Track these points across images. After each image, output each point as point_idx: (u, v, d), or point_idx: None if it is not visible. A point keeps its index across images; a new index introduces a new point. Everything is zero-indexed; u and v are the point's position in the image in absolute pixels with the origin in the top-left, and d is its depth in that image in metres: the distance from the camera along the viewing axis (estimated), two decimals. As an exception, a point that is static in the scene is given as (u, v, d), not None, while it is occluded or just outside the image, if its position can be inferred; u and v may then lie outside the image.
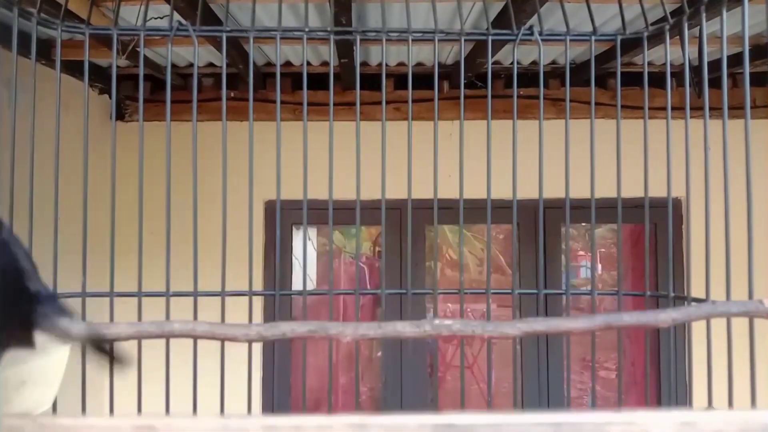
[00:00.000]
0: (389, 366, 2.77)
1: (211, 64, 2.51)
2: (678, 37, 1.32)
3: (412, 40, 1.37)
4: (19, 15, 1.22)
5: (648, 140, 1.33)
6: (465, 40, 1.41)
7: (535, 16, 1.48)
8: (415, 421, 0.54)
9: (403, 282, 2.65)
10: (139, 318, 1.28)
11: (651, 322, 1.04)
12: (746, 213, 1.12)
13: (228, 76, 1.45)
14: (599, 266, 4.49)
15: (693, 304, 1.24)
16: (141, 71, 1.36)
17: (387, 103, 1.44)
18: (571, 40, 1.38)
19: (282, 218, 1.38)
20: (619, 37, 1.42)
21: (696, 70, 2.01)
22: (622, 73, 1.46)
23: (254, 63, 2.39)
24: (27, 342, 0.63)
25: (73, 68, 2.02)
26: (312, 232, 3.86)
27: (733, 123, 1.14)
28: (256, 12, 1.46)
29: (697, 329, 1.21)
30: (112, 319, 1.29)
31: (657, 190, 1.32)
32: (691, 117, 1.25)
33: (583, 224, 3.86)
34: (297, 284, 2.81)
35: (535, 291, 1.57)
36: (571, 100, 1.43)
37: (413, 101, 1.41)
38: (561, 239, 2.77)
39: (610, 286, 3.55)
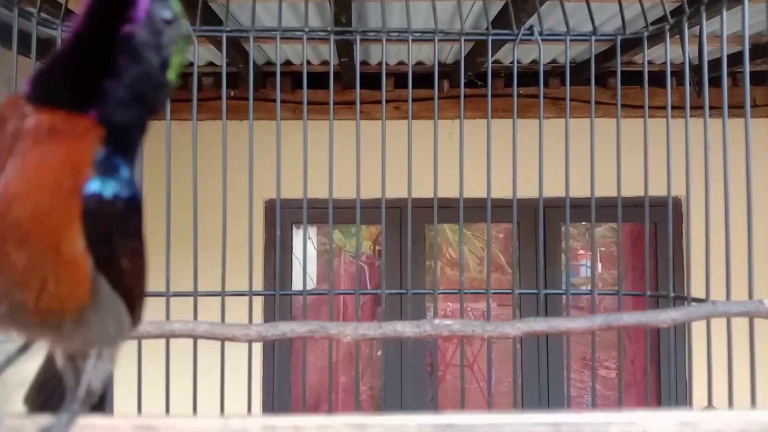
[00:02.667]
0: (389, 366, 2.77)
1: (211, 63, 2.51)
2: (678, 36, 1.32)
3: (412, 40, 1.36)
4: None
5: (648, 139, 1.33)
6: (465, 40, 1.41)
7: (535, 16, 1.48)
8: (415, 421, 0.54)
9: (403, 281, 2.65)
10: (139, 318, 1.28)
11: (651, 322, 1.04)
12: (746, 213, 1.12)
13: (228, 75, 1.45)
14: (599, 265, 4.49)
15: (693, 304, 1.24)
16: (141, 71, 1.36)
17: (387, 102, 1.44)
18: (571, 40, 1.38)
19: (282, 217, 1.38)
20: (619, 37, 1.42)
21: (696, 70, 2.01)
22: (622, 72, 1.46)
23: (254, 62, 2.38)
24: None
25: (72, 68, 2.02)
26: (312, 231, 3.86)
27: (733, 122, 1.14)
28: (256, 11, 1.46)
29: (697, 329, 1.21)
30: (112, 318, 1.29)
31: (657, 189, 1.32)
32: (691, 116, 1.25)
33: (584, 223, 3.86)
34: (297, 283, 2.81)
35: (535, 291, 1.57)
36: (571, 99, 1.43)
37: (413, 100, 1.41)
38: (561, 238, 2.77)
39: (610, 285, 3.55)
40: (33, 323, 0.48)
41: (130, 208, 0.49)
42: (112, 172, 0.48)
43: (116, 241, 0.49)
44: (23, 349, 0.57)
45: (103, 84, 0.48)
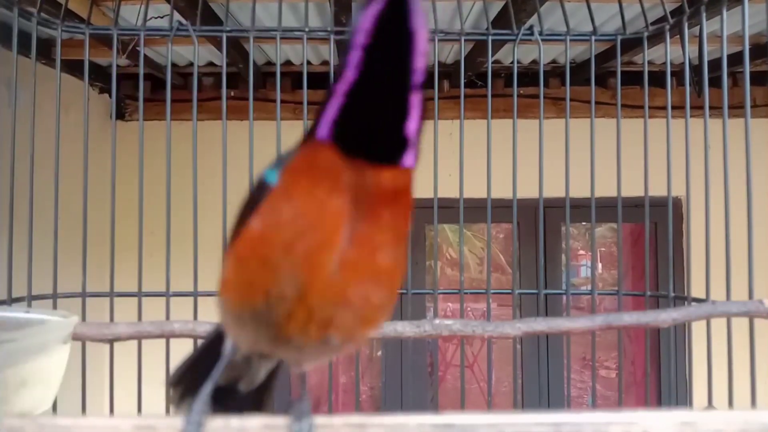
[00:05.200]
0: (389, 366, 2.77)
1: (211, 64, 2.50)
2: (678, 36, 1.32)
3: (413, 40, 1.36)
4: (19, 15, 1.22)
5: (648, 139, 1.33)
6: (465, 40, 1.41)
7: (535, 16, 1.48)
8: (415, 421, 0.54)
9: (403, 281, 2.65)
10: (139, 318, 1.28)
11: (651, 322, 1.04)
12: (746, 213, 1.12)
13: (228, 76, 1.45)
14: (599, 265, 4.49)
15: (693, 304, 1.24)
16: (141, 71, 1.36)
17: (387, 102, 1.44)
18: (571, 40, 1.38)
19: (282, 218, 1.37)
20: (620, 37, 1.42)
21: (696, 70, 2.01)
22: (622, 72, 1.46)
23: (254, 62, 2.38)
24: None
25: (73, 68, 2.02)
26: (312, 231, 3.86)
27: (734, 122, 1.14)
28: (256, 11, 1.46)
29: (697, 329, 1.21)
30: (112, 319, 1.29)
31: (657, 189, 1.32)
32: (691, 116, 1.25)
33: (584, 223, 3.86)
34: (297, 284, 2.80)
35: (535, 291, 1.57)
36: (571, 100, 1.43)
37: (413, 100, 1.41)
38: (561, 238, 2.77)
39: (611, 285, 3.55)
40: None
41: None
42: None
43: None
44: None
45: (403, 127, 0.46)
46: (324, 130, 0.46)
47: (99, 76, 2.49)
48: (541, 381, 2.76)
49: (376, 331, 0.52)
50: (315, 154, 0.47)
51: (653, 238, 2.71)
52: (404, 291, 1.43)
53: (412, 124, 0.45)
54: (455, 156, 1.34)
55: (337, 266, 0.46)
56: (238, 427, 0.56)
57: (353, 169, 0.46)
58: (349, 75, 0.45)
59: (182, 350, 1.25)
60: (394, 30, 0.43)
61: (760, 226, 1.19)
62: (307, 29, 1.34)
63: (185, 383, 0.61)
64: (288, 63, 2.46)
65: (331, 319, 0.48)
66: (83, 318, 1.29)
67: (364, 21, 0.44)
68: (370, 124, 0.45)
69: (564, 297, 1.60)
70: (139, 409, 1.32)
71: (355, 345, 0.53)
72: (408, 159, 0.46)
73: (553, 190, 1.37)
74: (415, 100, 0.45)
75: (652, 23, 1.41)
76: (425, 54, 0.44)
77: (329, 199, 0.46)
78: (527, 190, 1.40)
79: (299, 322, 0.48)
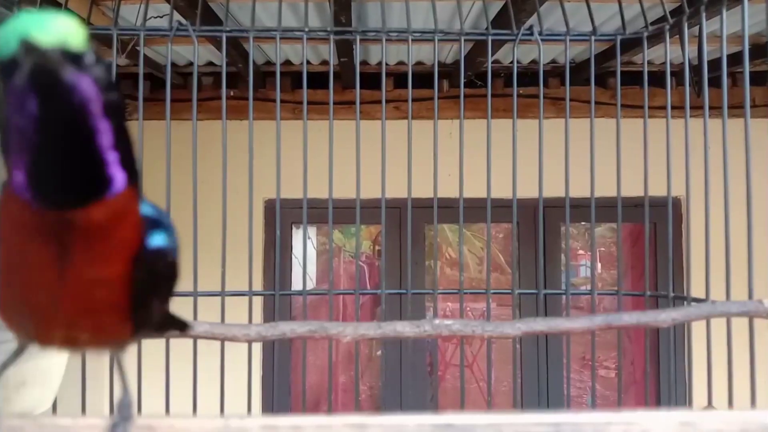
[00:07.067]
0: (389, 365, 2.77)
1: (210, 63, 2.51)
2: (678, 36, 1.32)
3: (412, 40, 1.36)
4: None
5: (648, 139, 1.33)
6: (465, 40, 1.41)
7: (535, 16, 1.48)
8: (414, 421, 0.54)
9: (403, 281, 2.65)
10: (139, 317, 1.28)
11: (651, 322, 1.04)
12: (746, 213, 1.12)
13: (228, 75, 1.45)
14: (599, 265, 4.49)
15: (693, 303, 1.24)
16: (141, 70, 1.36)
17: (387, 102, 1.44)
18: (570, 40, 1.38)
19: (282, 217, 1.38)
20: (619, 37, 1.42)
21: (696, 70, 2.01)
22: (621, 72, 1.46)
23: (254, 62, 2.38)
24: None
25: (72, 67, 2.02)
26: (312, 231, 3.86)
27: (733, 122, 1.14)
28: (256, 11, 1.46)
29: (697, 329, 1.21)
30: (112, 318, 1.29)
31: (657, 190, 1.32)
32: (691, 116, 1.25)
33: (583, 223, 3.85)
34: (297, 283, 2.81)
35: (535, 291, 1.57)
36: (571, 99, 1.43)
37: (413, 100, 1.41)
38: (561, 238, 2.77)
39: (610, 285, 3.55)
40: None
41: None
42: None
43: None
44: (19, 352, 0.61)
45: (94, 162, 0.46)
46: (18, 180, 0.46)
47: (99, 75, 2.49)
48: (540, 381, 2.76)
49: (118, 337, 0.56)
50: (11, 207, 0.48)
51: (653, 238, 2.71)
52: (404, 291, 1.44)
53: (108, 153, 0.46)
54: (455, 156, 1.34)
55: (54, 302, 0.49)
56: (237, 427, 0.56)
57: (52, 214, 0.46)
58: (26, 127, 0.43)
59: (182, 350, 1.25)
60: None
61: (760, 226, 1.19)
62: (307, 29, 1.34)
63: None
64: (288, 63, 2.46)
65: (67, 338, 0.53)
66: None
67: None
68: (52, 171, 0.45)
69: (564, 297, 1.60)
70: (140, 409, 1.32)
71: (109, 347, 0.59)
72: (115, 184, 0.47)
73: (553, 190, 1.37)
74: (104, 128, 0.45)
75: (652, 23, 1.41)
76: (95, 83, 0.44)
77: (29, 248, 0.48)
78: (527, 190, 1.40)
79: (46, 341, 0.54)
